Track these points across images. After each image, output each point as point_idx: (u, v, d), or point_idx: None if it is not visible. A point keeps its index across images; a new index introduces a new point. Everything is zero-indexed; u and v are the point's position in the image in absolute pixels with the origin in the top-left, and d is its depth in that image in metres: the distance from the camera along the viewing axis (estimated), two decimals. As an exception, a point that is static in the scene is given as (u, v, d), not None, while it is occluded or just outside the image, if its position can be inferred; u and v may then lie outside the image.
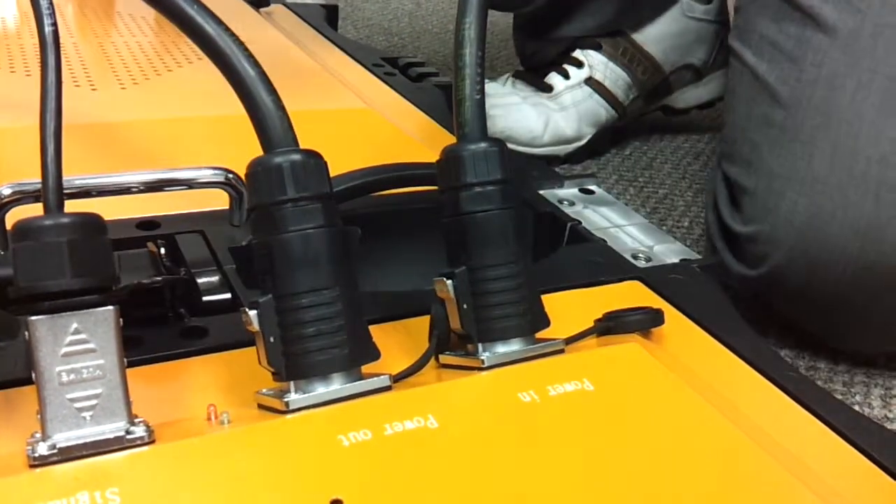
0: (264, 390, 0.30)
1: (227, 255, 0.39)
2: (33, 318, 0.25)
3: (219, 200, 0.41)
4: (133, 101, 0.53)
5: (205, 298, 0.37)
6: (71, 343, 0.25)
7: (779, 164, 0.47)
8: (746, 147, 0.49)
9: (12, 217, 0.28)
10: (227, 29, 0.30)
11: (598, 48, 0.76)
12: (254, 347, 0.31)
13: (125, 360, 0.26)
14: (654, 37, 0.77)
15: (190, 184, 0.41)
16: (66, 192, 0.37)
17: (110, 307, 0.26)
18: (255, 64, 0.30)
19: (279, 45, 0.69)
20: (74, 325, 0.25)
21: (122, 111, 0.52)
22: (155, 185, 0.40)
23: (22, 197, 0.37)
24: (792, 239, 0.46)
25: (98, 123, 0.49)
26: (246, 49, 0.30)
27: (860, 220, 0.45)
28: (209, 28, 0.30)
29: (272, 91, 0.30)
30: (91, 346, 0.25)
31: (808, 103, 0.46)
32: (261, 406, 0.30)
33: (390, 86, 0.65)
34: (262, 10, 0.82)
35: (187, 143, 0.49)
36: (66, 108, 0.53)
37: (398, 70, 0.71)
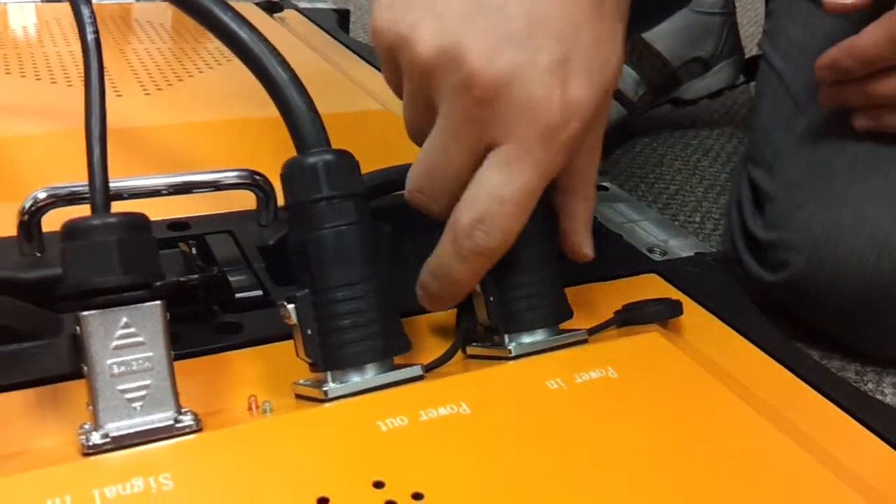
0: (301, 381, 0.31)
1: (256, 254, 0.41)
2: (85, 313, 0.26)
3: (244, 201, 0.43)
4: (157, 106, 0.54)
5: (237, 295, 0.38)
6: (121, 337, 0.27)
7: (799, 172, 0.48)
8: (770, 151, 0.50)
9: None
10: (260, 34, 0.32)
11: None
12: (287, 341, 0.33)
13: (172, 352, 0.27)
14: (663, 34, 0.78)
15: (218, 186, 0.42)
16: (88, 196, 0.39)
17: (158, 302, 0.27)
18: (288, 68, 0.31)
19: (295, 49, 0.70)
20: (124, 320, 0.27)
21: (147, 117, 0.53)
22: (184, 187, 0.41)
23: (56, 200, 0.39)
24: (810, 248, 0.47)
25: (124, 128, 0.51)
26: (279, 54, 0.31)
27: (878, 233, 0.46)
28: (243, 34, 0.31)
29: (304, 94, 0.31)
30: (140, 339, 0.27)
31: (830, 114, 0.47)
32: (298, 396, 0.31)
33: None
34: (275, 15, 0.84)
35: (211, 147, 0.50)
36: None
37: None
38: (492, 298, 0.33)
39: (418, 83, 0.31)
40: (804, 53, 0.49)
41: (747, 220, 0.52)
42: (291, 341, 0.33)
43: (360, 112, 0.59)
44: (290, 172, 0.31)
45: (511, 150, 0.30)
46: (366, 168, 0.42)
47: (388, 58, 0.33)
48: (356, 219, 0.30)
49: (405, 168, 0.43)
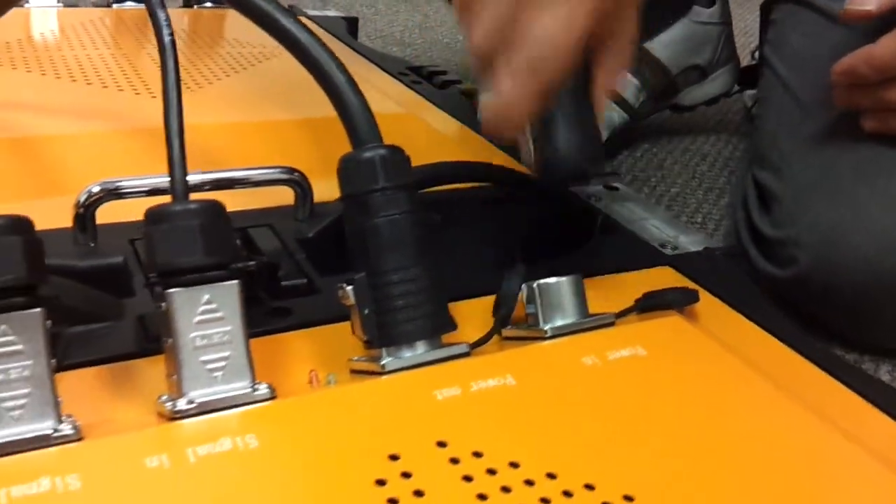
0: (356, 358, 0.34)
1: (296, 246, 0.43)
2: (171, 290, 0.29)
3: (275, 198, 0.45)
4: (191, 106, 0.57)
5: (283, 283, 0.41)
6: (203, 312, 0.29)
7: (805, 174, 0.51)
8: (776, 155, 0.53)
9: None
10: (318, 39, 0.34)
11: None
12: (332, 324, 0.36)
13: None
14: (663, 43, 0.81)
15: (259, 181, 0.45)
16: (142, 190, 0.41)
17: (235, 281, 0.30)
18: (344, 70, 0.34)
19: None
20: (206, 297, 0.29)
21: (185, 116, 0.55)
22: (227, 182, 0.44)
23: (107, 194, 0.41)
24: (817, 245, 0.50)
25: (161, 128, 0.53)
26: (336, 57, 0.34)
27: (881, 231, 0.49)
28: (303, 38, 0.34)
29: (359, 93, 0.34)
30: (220, 314, 0.29)
31: (835, 119, 0.50)
32: (353, 371, 0.33)
33: (419, 93, 0.69)
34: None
35: (245, 146, 0.53)
36: (129, 115, 0.57)
37: (423, 78, 0.75)
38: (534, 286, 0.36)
39: None
40: (809, 61, 0.52)
41: (754, 219, 0.55)
42: (337, 324, 0.36)
43: (387, 114, 0.61)
44: (348, 166, 0.33)
45: None
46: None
47: None
48: (409, 208, 0.33)
49: (446, 164, 0.46)
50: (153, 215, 0.30)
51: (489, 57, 0.37)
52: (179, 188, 0.30)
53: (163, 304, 0.29)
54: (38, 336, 0.27)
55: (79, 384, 0.32)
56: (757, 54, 0.78)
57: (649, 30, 0.80)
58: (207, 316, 0.29)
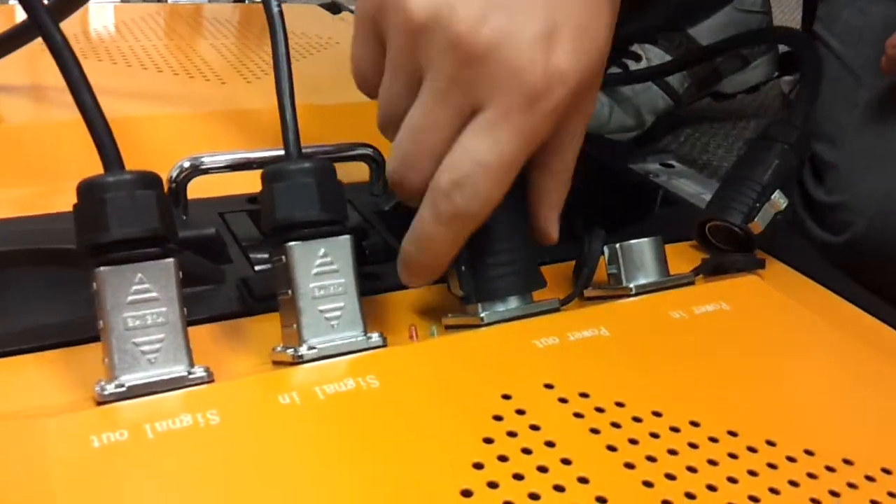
0: (450, 315, 0.35)
1: (374, 218, 0.45)
2: (291, 244, 0.30)
3: (348, 174, 0.47)
4: (260, 93, 0.59)
5: (367, 252, 0.43)
6: (320, 265, 0.31)
7: (861, 141, 0.52)
8: (830, 125, 0.55)
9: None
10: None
11: (654, 42, 0.81)
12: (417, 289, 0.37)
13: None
14: (707, 30, 0.82)
15: (337, 157, 0.47)
16: (231, 164, 0.43)
17: (348, 236, 0.31)
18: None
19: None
20: (323, 250, 0.31)
21: (250, 101, 0.57)
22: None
23: (195, 170, 0.43)
24: (873, 209, 0.51)
25: (232, 110, 0.55)
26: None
27: None
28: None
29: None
30: (335, 267, 0.31)
31: (890, 89, 0.51)
32: (448, 327, 0.35)
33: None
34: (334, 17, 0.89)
35: (317, 125, 0.55)
36: (202, 99, 0.59)
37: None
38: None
39: (404, 47, 0.31)
40: (863, 35, 0.54)
41: (808, 187, 0.56)
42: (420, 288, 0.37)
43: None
44: None
45: (495, 114, 0.30)
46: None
47: (370, 27, 0.33)
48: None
49: None
50: (272, 174, 0.31)
51: (408, 188, 0.32)
52: (294, 149, 0.32)
53: (282, 258, 0.31)
54: (172, 284, 0.29)
55: (193, 339, 0.34)
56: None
57: (694, 16, 0.81)
58: (324, 268, 0.31)
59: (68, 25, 0.70)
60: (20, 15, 0.72)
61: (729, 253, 0.44)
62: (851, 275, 0.56)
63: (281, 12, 0.34)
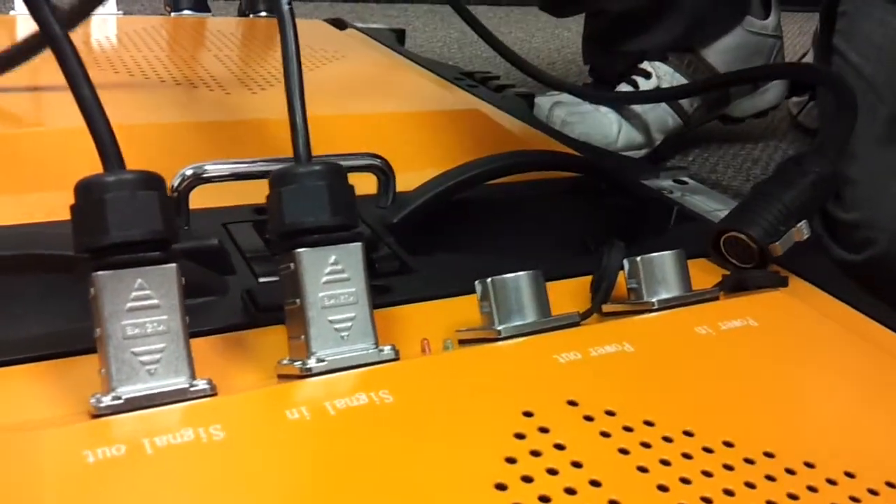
0: (463, 328, 0.33)
1: (382, 230, 0.44)
2: (300, 250, 0.29)
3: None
4: (267, 104, 0.57)
5: (376, 265, 0.41)
6: (330, 273, 0.29)
7: (883, 157, 0.51)
8: (851, 140, 0.53)
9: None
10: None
11: (664, 60, 0.80)
12: (426, 302, 0.37)
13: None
14: (717, 50, 0.81)
15: (346, 168, 0.45)
16: (234, 173, 0.42)
17: (359, 243, 0.30)
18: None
19: (378, 59, 0.74)
20: (333, 257, 0.29)
21: (255, 111, 0.56)
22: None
23: (198, 178, 0.42)
24: (894, 226, 0.50)
25: (238, 121, 0.54)
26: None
27: None
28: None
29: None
30: (346, 275, 0.29)
31: None
32: (462, 341, 0.33)
33: (477, 96, 0.70)
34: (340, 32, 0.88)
35: (326, 136, 0.53)
36: (206, 110, 0.58)
37: (477, 83, 0.75)
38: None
39: None
40: (883, 49, 0.52)
41: (827, 206, 0.55)
42: (435, 301, 0.36)
43: (456, 111, 0.62)
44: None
45: None
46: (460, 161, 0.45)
47: None
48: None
49: (528, 152, 0.47)
50: (280, 177, 0.30)
51: None
52: (303, 152, 0.31)
53: (290, 265, 0.29)
54: (174, 291, 0.27)
55: (195, 351, 0.32)
56: (803, 61, 0.79)
57: (704, 36, 0.80)
58: (334, 276, 0.29)
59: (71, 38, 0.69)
60: (22, 25, 0.71)
61: (738, 268, 0.42)
62: (871, 293, 0.55)
63: (291, 10, 0.33)
